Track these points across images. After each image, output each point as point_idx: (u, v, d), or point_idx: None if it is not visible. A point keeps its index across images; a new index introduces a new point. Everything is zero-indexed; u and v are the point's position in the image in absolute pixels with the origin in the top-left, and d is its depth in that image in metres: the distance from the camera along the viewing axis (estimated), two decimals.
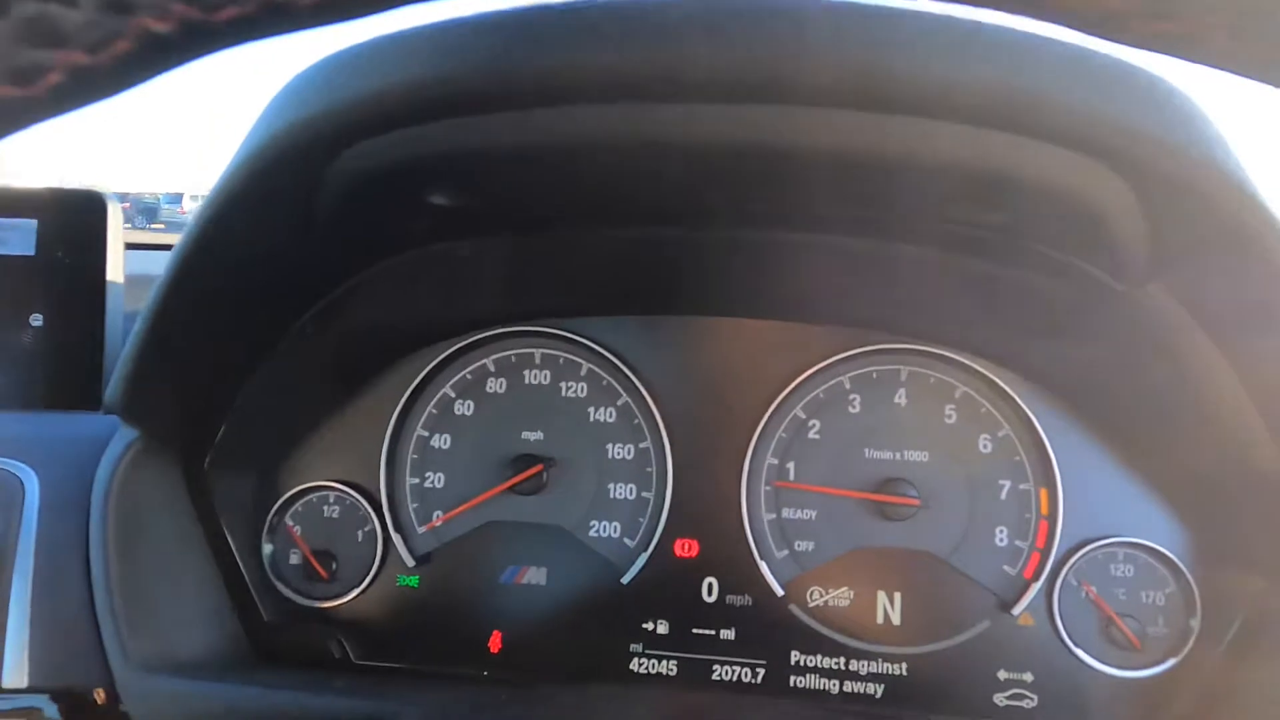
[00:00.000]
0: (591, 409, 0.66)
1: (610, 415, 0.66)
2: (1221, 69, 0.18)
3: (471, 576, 0.65)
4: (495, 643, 0.64)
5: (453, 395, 0.68)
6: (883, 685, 0.61)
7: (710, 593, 0.64)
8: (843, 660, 0.62)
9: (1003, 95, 0.38)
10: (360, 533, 0.67)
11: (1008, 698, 0.60)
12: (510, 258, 0.61)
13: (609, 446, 0.66)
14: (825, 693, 0.61)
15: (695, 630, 0.63)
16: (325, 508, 0.67)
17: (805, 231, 0.58)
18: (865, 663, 0.62)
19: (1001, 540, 0.62)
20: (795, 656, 0.62)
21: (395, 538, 0.65)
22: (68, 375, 0.74)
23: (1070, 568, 0.60)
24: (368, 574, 0.66)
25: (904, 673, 0.61)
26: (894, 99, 0.38)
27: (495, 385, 0.67)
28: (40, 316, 0.75)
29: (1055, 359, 0.60)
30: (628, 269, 0.63)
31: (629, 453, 0.66)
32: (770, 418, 0.64)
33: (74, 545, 0.57)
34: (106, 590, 0.55)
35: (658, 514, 0.64)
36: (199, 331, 0.56)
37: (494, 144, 0.42)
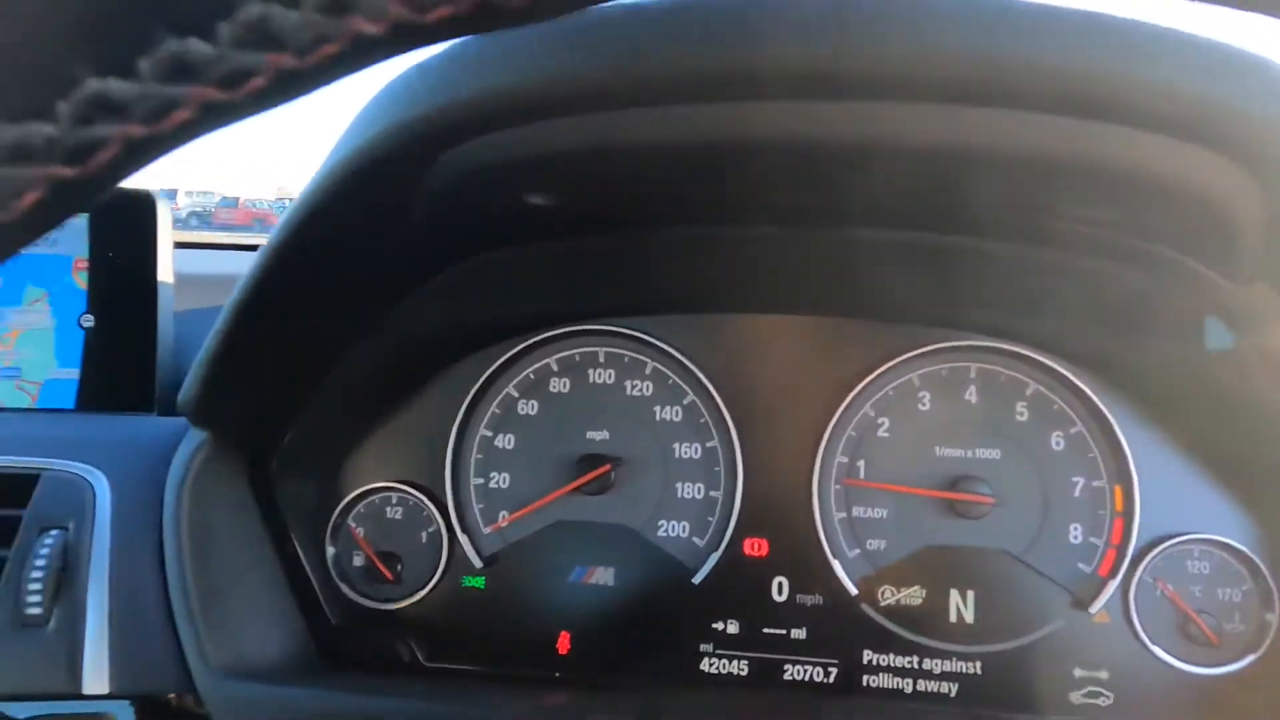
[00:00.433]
0: (657, 407, 0.66)
1: (676, 414, 0.66)
2: None
3: (538, 577, 0.65)
4: (564, 644, 0.64)
5: (516, 395, 0.67)
6: (956, 684, 0.61)
7: (780, 592, 0.63)
8: (916, 659, 0.61)
9: (1125, 87, 0.37)
10: (424, 534, 0.66)
11: (1083, 695, 0.60)
12: (574, 256, 0.60)
13: (675, 445, 0.65)
14: (899, 692, 0.61)
15: (766, 630, 0.63)
16: (388, 509, 0.67)
17: (877, 228, 0.57)
18: (939, 661, 0.61)
19: (1076, 537, 0.61)
20: (867, 656, 0.62)
21: (462, 538, 0.65)
22: (119, 376, 0.74)
23: (1146, 565, 0.60)
24: (433, 575, 0.65)
25: (978, 671, 0.61)
26: (1013, 92, 0.37)
27: (559, 385, 0.67)
28: (92, 317, 0.75)
29: (1135, 355, 0.59)
30: (693, 267, 0.62)
31: (696, 452, 0.65)
32: (840, 416, 0.63)
33: (148, 550, 0.56)
34: (184, 595, 0.55)
35: (728, 513, 0.63)
36: (278, 335, 0.55)
37: (603, 143, 0.42)
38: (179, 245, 0.79)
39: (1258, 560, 0.59)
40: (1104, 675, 0.60)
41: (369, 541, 0.66)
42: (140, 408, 0.73)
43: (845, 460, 0.64)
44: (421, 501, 0.66)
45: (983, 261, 0.58)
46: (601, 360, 0.67)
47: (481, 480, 0.67)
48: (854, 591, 0.62)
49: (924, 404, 0.64)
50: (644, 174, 0.48)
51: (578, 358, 0.67)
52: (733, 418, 0.64)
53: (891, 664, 0.62)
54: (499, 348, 0.67)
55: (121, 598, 0.55)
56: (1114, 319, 0.58)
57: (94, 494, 0.57)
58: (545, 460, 0.66)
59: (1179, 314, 0.54)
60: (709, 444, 0.65)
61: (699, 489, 0.65)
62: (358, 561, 0.66)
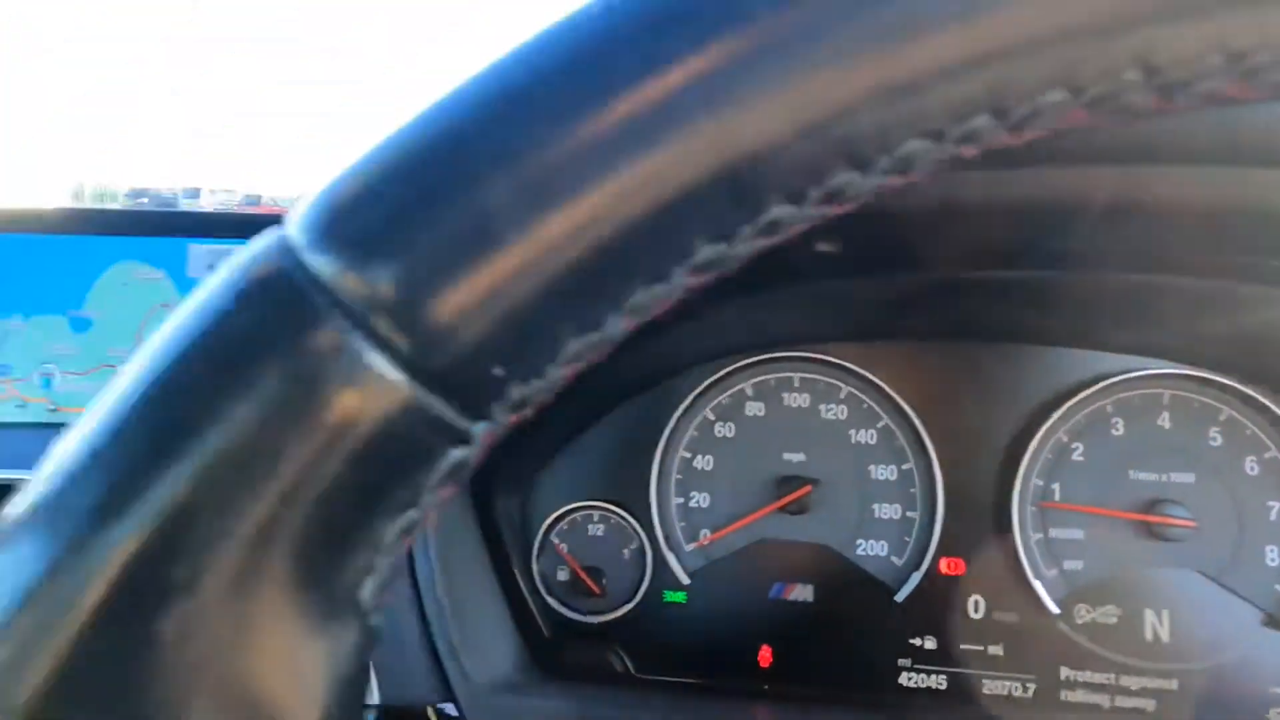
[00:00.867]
0: (852, 431, 0.68)
1: (872, 437, 0.68)
2: None
3: (739, 592, 0.68)
4: (765, 657, 0.67)
5: (712, 418, 0.70)
6: (1154, 700, 0.63)
7: (977, 609, 0.66)
8: (1113, 676, 0.64)
9: None
10: (626, 550, 0.69)
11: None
12: (799, 292, 0.63)
13: (871, 468, 0.68)
14: (1097, 707, 0.64)
15: (963, 646, 0.65)
16: (590, 526, 0.70)
17: (1093, 270, 0.59)
18: (1135, 678, 0.63)
19: (1273, 560, 0.63)
20: (1065, 672, 0.64)
21: (668, 555, 0.68)
22: None
23: None
24: (637, 590, 0.68)
25: (1175, 688, 0.63)
26: None
27: (754, 409, 0.70)
28: None
29: None
30: (897, 300, 0.65)
31: (892, 474, 0.68)
32: (1037, 440, 0.66)
33: (401, 566, 0.60)
34: (439, 612, 0.58)
35: (927, 533, 0.66)
36: None
37: (955, 201, 0.44)
38: None
39: None
40: None
41: (574, 557, 0.69)
42: None
43: (1040, 483, 0.66)
44: (622, 519, 0.70)
45: (1186, 296, 0.60)
46: (796, 385, 0.70)
47: (682, 499, 0.70)
48: (1056, 610, 0.64)
49: (1117, 429, 0.66)
50: (961, 230, 0.50)
51: (773, 383, 0.70)
52: (932, 441, 0.66)
53: (1090, 680, 0.64)
54: (695, 372, 0.70)
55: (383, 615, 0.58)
56: None
57: None
58: (743, 480, 0.69)
59: None
60: (904, 466, 0.67)
61: (896, 509, 0.67)
62: (562, 576, 0.70)
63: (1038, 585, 0.64)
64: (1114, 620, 0.64)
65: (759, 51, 0.15)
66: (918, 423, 0.67)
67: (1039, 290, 0.61)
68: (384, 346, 0.15)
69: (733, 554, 0.68)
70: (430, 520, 0.18)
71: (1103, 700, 0.64)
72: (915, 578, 0.66)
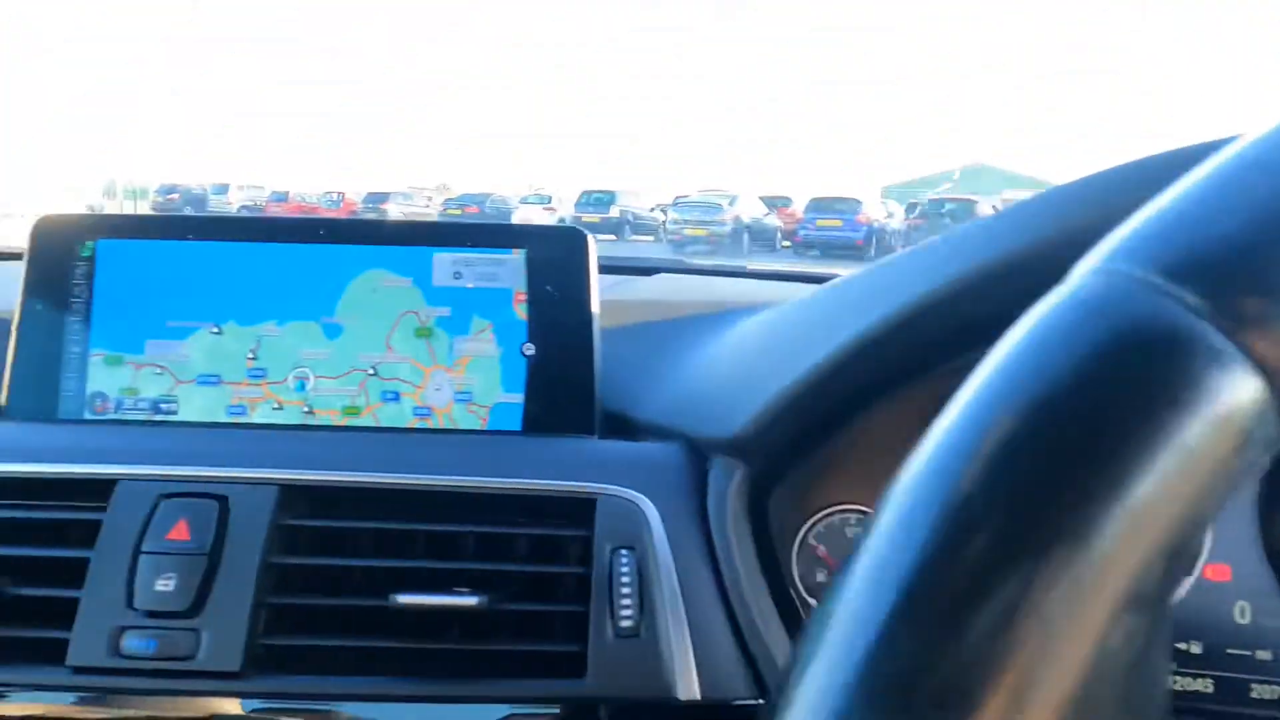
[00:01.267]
0: None
1: None
2: None
3: None
4: None
5: None
6: None
7: (1243, 615, 0.67)
8: None
9: None
10: None
11: None
12: None
13: None
14: None
15: (1229, 650, 0.67)
16: (847, 529, 0.72)
17: None
18: None
19: None
20: None
21: None
22: (561, 402, 0.80)
23: None
24: None
25: None
26: None
27: None
28: (533, 346, 0.81)
29: None
30: None
31: None
32: None
33: (703, 569, 0.63)
34: (746, 610, 0.61)
35: (1199, 542, 0.67)
36: (864, 381, 0.60)
37: None
38: None
39: None
40: None
41: (835, 560, 0.71)
42: (582, 431, 0.79)
43: None
44: None
45: None
46: None
47: None
48: None
49: None
50: None
51: None
52: None
53: None
54: (952, 369, 0.71)
55: (695, 612, 0.61)
56: None
57: (646, 517, 0.63)
58: None
59: None
60: None
61: None
62: (820, 578, 0.72)
63: None
64: None
65: None
66: None
67: None
68: None
69: None
70: None
71: None
72: (1188, 584, 0.67)
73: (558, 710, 0.60)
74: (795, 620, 0.71)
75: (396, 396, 0.80)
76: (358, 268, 0.82)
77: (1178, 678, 0.67)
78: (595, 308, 0.81)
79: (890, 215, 19.50)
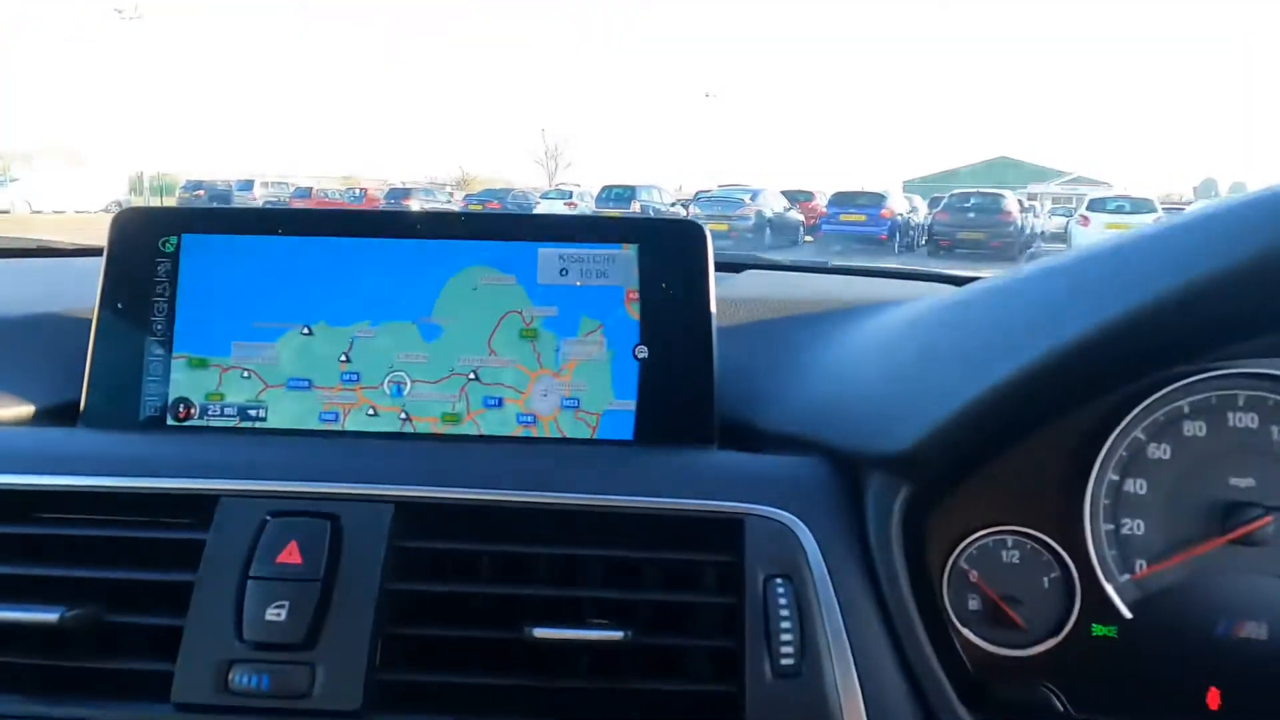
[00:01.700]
0: None
1: None
2: None
3: (1180, 629, 0.63)
4: (1214, 699, 0.62)
5: (1144, 438, 0.65)
6: None
7: None
8: None
9: None
10: (1046, 579, 0.65)
11: None
12: None
13: None
14: None
15: None
16: (1003, 552, 0.66)
17: None
18: None
19: None
20: None
21: (1107, 587, 0.63)
22: (677, 408, 0.74)
23: None
24: (1061, 623, 0.64)
25: None
26: None
27: (1193, 429, 0.64)
28: (645, 348, 0.75)
29: None
30: None
31: None
32: None
33: (866, 598, 0.56)
34: (917, 646, 0.54)
35: None
36: (1060, 391, 0.54)
37: None
38: None
39: None
40: None
41: (988, 585, 0.65)
42: (700, 441, 0.73)
43: None
44: (1040, 546, 0.65)
45: None
46: (1241, 404, 0.64)
47: (1112, 526, 0.65)
48: None
49: None
50: None
51: (1214, 400, 0.64)
52: None
53: None
54: (1124, 390, 0.65)
55: (860, 648, 0.55)
56: None
57: (800, 542, 0.57)
58: (1184, 507, 0.64)
59: None
60: None
61: None
62: (973, 605, 0.65)
63: None
64: None
65: None
66: None
67: None
68: None
69: (1174, 587, 0.63)
70: None
71: None
72: None
73: None
74: (950, 654, 0.65)
75: (499, 403, 0.74)
76: (457, 264, 0.76)
77: None
78: (713, 307, 0.75)
79: (914, 209, 19.30)
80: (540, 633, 0.53)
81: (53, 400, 0.77)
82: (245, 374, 0.75)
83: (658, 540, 0.59)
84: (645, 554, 0.59)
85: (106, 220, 0.79)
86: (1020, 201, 18.31)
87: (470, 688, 0.54)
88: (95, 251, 0.82)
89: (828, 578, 0.56)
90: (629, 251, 0.76)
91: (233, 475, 0.60)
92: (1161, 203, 17.13)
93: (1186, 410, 0.65)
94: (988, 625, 0.65)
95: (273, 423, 0.74)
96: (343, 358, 0.75)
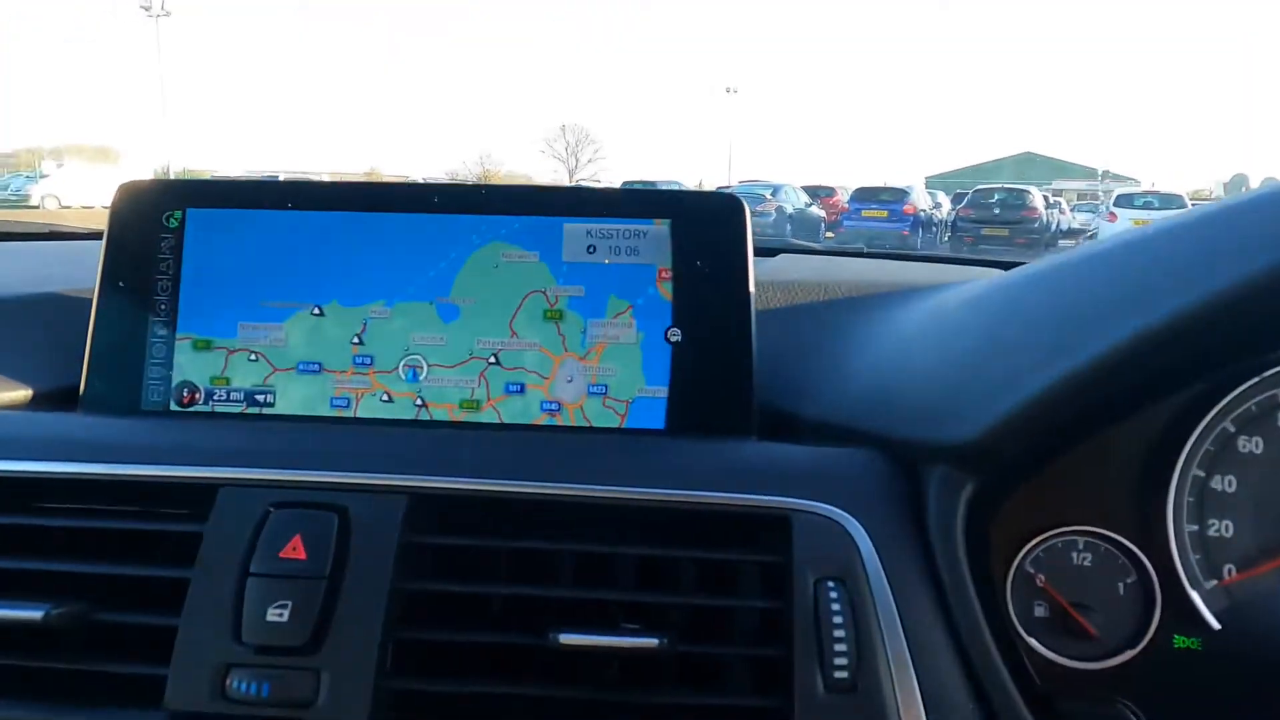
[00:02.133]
0: None
1: None
2: None
3: (1272, 642, 0.57)
4: None
5: (1233, 430, 0.59)
6: None
7: None
8: None
9: None
10: (1121, 585, 0.59)
11: None
12: None
13: None
14: None
15: None
16: (1074, 555, 0.60)
17: None
18: None
19: None
20: None
21: (1192, 594, 0.57)
22: (712, 395, 0.69)
23: None
24: (1139, 633, 0.58)
25: None
26: None
27: None
28: (679, 331, 0.70)
29: None
30: None
31: None
32: None
33: (927, 603, 0.51)
34: (986, 657, 0.49)
35: None
36: (1141, 378, 0.49)
37: None
38: None
39: None
40: None
41: (1057, 591, 0.59)
42: (737, 431, 0.67)
43: None
44: (1115, 549, 0.59)
45: None
46: None
47: (1197, 528, 0.59)
48: None
49: None
50: None
51: None
52: None
53: None
54: (1214, 376, 0.58)
55: (921, 659, 0.49)
56: None
57: (854, 541, 0.52)
58: (1277, 507, 0.58)
59: None
60: None
61: None
62: (1039, 612, 0.60)
63: None
64: None
65: None
66: None
67: None
68: None
69: (1266, 596, 0.57)
70: None
71: None
72: None
73: None
74: (1016, 666, 0.59)
75: (521, 389, 0.69)
76: (477, 241, 0.71)
77: None
78: (752, 287, 0.70)
79: (937, 205, 19.08)
80: (566, 639, 0.48)
81: (52, 384, 0.73)
82: (252, 357, 0.70)
83: (695, 538, 0.54)
84: (681, 553, 0.54)
85: None
86: (1046, 197, 18.05)
87: (488, 698, 0.49)
88: (97, 236, 0.78)
89: (885, 580, 0.51)
90: (661, 227, 0.71)
91: (233, 463, 0.55)
92: (1191, 199, 16.83)
93: None
94: (1055, 634, 0.59)
95: (281, 408, 0.70)
96: (355, 340, 0.70)
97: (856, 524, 0.52)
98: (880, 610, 0.50)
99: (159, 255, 0.72)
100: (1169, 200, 14.90)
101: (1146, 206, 14.69)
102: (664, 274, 0.70)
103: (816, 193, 19.47)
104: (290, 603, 0.50)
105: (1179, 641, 0.58)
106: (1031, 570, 0.60)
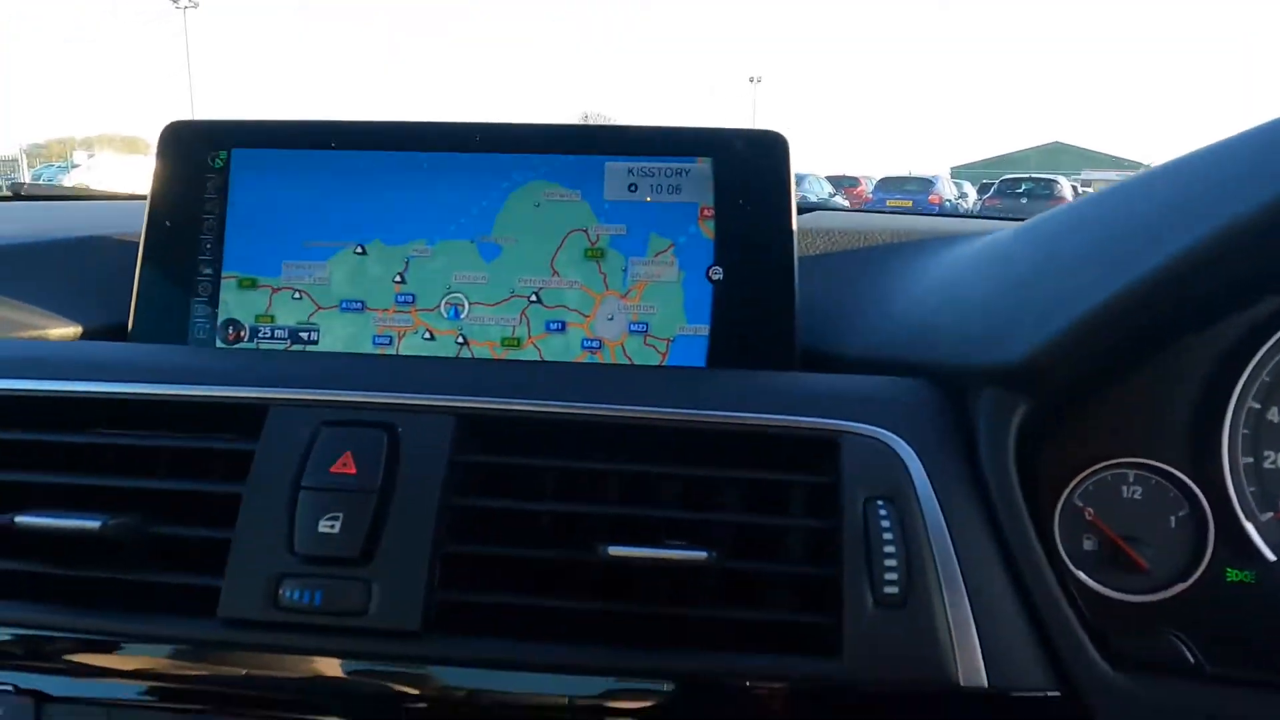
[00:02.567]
0: None
1: None
2: None
3: None
4: None
5: None
6: None
7: None
8: None
9: None
10: (1173, 518, 0.58)
11: None
12: None
13: None
14: None
15: None
16: (1124, 488, 0.59)
17: None
18: None
19: None
20: None
21: (1248, 526, 0.56)
22: (754, 332, 0.68)
23: None
24: (1191, 566, 0.57)
25: None
26: None
27: None
28: (720, 269, 0.69)
29: None
30: None
31: None
32: None
33: (978, 525, 0.50)
34: (1048, 590, 0.48)
35: None
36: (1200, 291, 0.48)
37: None
38: None
39: None
40: None
41: (1106, 524, 0.58)
42: (780, 364, 0.67)
43: None
44: (1167, 481, 0.58)
45: None
46: None
47: (1252, 459, 0.58)
48: None
49: None
50: None
51: None
52: None
53: None
54: (1267, 303, 0.57)
55: (972, 578, 0.49)
56: None
57: (904, 462, 0.51)
58: None
59: None
60: None
61: None
62: (1088, 546, 0.59)
63: None
64: None
65: None
66: None
67: None
68: None
69: None
70: None
71: None
72: None
73: (790, 688, 0.49)
74: (1067, 597, 0.58)
75: (562, 327, 0.69)
76: (518, 179, 0.71)
77: None
78: (794, 224, 0.69)
79: (963, 195, 18.86)
80: (615, 551, 0.48)
81: (100, 322, 0.74)
82: (296, 295, 0.71)
83: (742, 460, 0.54)
84: (729, 473, 0.53)
85: None
86: (1074, 187, 17.76)
87: (537, 610, 0.50)
88: (136, 199, 0.79)
89: (935, 501, 0.50)
90: (704, 165, 0.70)
91: (284, 384, 0.56)
92: None
93: None
94: (1105, 568, 0.58)
95: (324, 346, 0.70)
96: (397, 278, 0.71)
97: (906, 446, 0.52)
98: (930, 528, 0.50)
99: (205, 195, 0.73)
100: None
101: None
102: (706, 212, 0.70)
103: (841, 182, 19.31)
104: (341, 515, 0.50)
105: (1231, 575, 0.57)
106: (1080, 504, 0.59)
